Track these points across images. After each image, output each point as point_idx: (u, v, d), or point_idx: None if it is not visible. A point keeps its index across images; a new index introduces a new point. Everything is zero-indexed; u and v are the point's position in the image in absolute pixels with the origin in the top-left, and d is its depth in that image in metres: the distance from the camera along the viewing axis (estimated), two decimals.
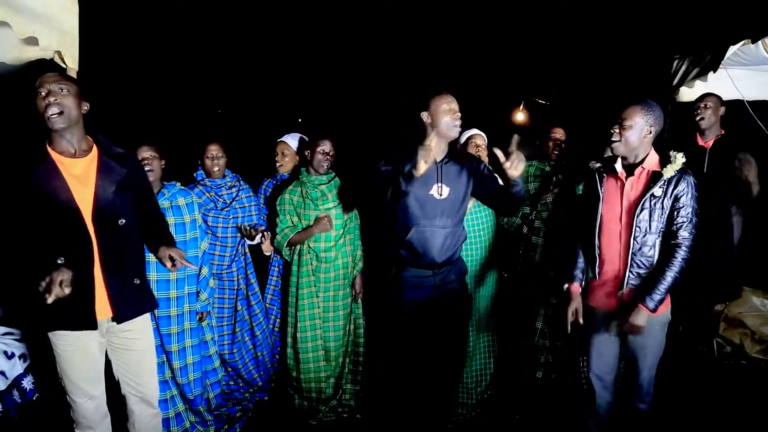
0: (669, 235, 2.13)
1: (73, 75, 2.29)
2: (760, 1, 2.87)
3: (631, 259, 2.15)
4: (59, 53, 2.22)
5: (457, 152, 2.48)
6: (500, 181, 2.43)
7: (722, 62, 3.08)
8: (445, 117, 2.34)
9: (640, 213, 2.11)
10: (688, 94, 3.52)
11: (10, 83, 2.51)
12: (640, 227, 2.13)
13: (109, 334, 2.04)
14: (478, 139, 3.04)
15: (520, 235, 3.11)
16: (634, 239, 2.14)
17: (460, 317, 2.59)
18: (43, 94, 1.81)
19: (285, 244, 2.90)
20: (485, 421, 2.95)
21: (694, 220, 2.10)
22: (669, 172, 2.09)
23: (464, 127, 3.13)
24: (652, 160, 2.16)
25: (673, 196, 2.09)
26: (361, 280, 2.99)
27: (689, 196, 2.09)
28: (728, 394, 3.03)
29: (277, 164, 3.24)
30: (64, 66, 2.26)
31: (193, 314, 2.64)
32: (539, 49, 6.03)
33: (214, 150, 2.92)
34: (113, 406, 2.13)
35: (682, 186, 2.09)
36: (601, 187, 2.25)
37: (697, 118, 3.11)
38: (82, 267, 1.87)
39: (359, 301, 3.02)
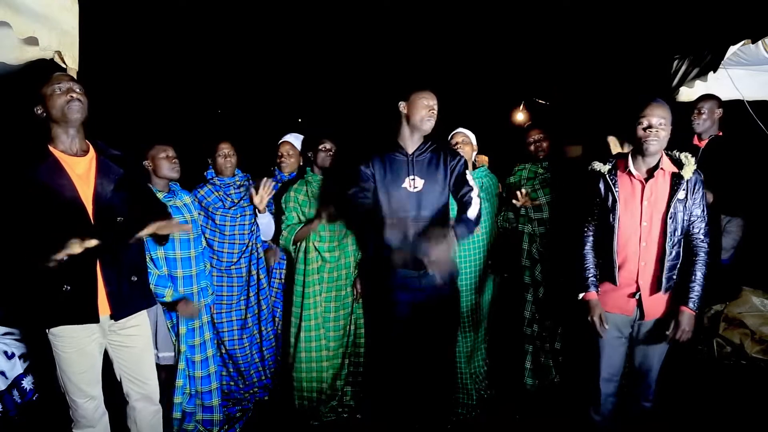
0: (688, 235, 2.16)
1: (73, 75, 2.29)
2: (760, 1, 2.87)
3: (665, 263, 2.13)
4: (59, 53, 2.22)
5: (438, 147, 2.49)
6: (473, 189, 2.44)
7: (722, 62, 3.07)
8: (422, 111, 2.37)
9: (671, 218, 2.11)
10: (688, 94, 3.52)
11: (10, 83, 2.51)
12: (671, 232, 2.12)
13: (110, 332, 2.05)
14: (458, 136, 3.06)
15: (517, 234, 3.11)
16: (667, 245, 2.12)
17: (448, 321, 2.57)
18: (63, 88, 1.88)
19: (291, 241, 2.91)
20: (485, 421, 2.95)
21: (707, 218, 2.15)
22: (688, 173, 2.10)
23: (456, 126, 3.17)
24: (667, 162, 2.15)
25: (693, 197, 2.13)
26: (362, 280, 2.99)
27: (702, 195, 2.13)
28: (728, 394, 3.03)
29: (282, 164, 3.22)
30: (64, 66, 2.26)
31: (207, 308, 2.71)
32: (539, 49, 6.02)
33: (225, 148, 2.95)
34: (110, 404, 2.14)
35: (698, 186, 2.13)
36: (615, 190, 2.19)
37: (693, 123, 3.12)
38: (86, 262, 1.90)
39: (360, 301, 3.02)
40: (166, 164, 2.52)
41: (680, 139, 3.17)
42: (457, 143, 3.02)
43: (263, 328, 3.14)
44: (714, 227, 3.17)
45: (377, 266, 2.52)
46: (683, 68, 3.44)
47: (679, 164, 2.14)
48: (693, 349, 3.38)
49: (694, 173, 2.11)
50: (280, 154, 3.22)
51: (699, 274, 2.14)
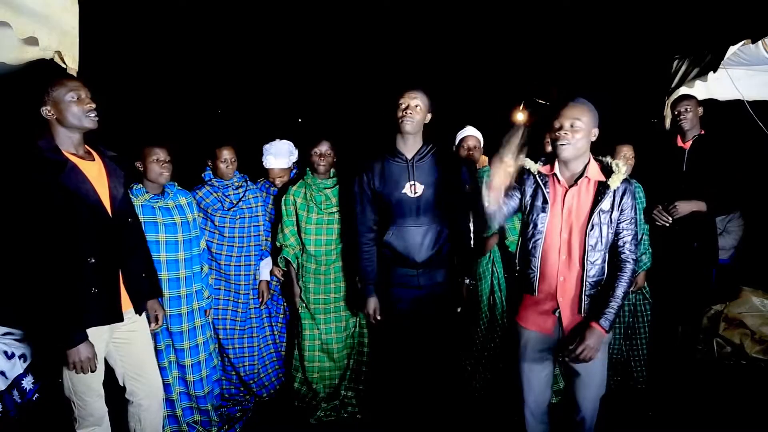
0: (614, 249, 1.96)
1: (74, 75, 2.29)
2: (760, 1, 2.87)
3: (585, 280, 1.94)
4: (59, 53, 2.22)
5: (439, 151, 2.44)
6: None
7: (722, 62, 3.08)
8: (398, 113, 2.33)
9: (591, 230, 1.92)
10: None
11: (10, 83, 2.51)
12: (592, 245, 1.92)
13: (115, 329, 2.07)
14: (470, 140, 3.02)
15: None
16: (587, 260, 1.93)
17: (443, 316, 2.57)
18: (81, 96, 1.90)
19: (278, 258, 2.95)
20: (485, 421, 2.95)
21: (636, 231, 1.97)
22: (615, 182, 1.91)
23: (461, 125, 3.14)
24: (595, 169, 1.97)
25: (620, 208, 1.93)
26: None
27: (632, 207, 1.94)
28: (728, 394, 3.03)
29: (277, 186, 3.13)
30: (64, 66, 2.26)
31: (202, 311, 2.69)
32: (539, 49, 6.02)
33: (228, 154, 2.91)
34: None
35: (627, 197, 1.93)
36: (546, 190, 1.99)
37: (680, 121, 3.07)
38: (110, 264, 1.96)
39: None
40: (155, 168, 2.42)
41: (663, 142, 3.18)
42: (470, 148, 2.97)
43: (275, 332, 3.17)
44: (711, 228, 3.17)
45: (381, 265, 2.53)
46: (683, 68, 3.45)
47: (608, 172, 1.95)
48: (693, 349, 3.39)
49: (623, 182, 1.93)
50: (272, 178, 3.15)
51: (619, 291, 1.91)
